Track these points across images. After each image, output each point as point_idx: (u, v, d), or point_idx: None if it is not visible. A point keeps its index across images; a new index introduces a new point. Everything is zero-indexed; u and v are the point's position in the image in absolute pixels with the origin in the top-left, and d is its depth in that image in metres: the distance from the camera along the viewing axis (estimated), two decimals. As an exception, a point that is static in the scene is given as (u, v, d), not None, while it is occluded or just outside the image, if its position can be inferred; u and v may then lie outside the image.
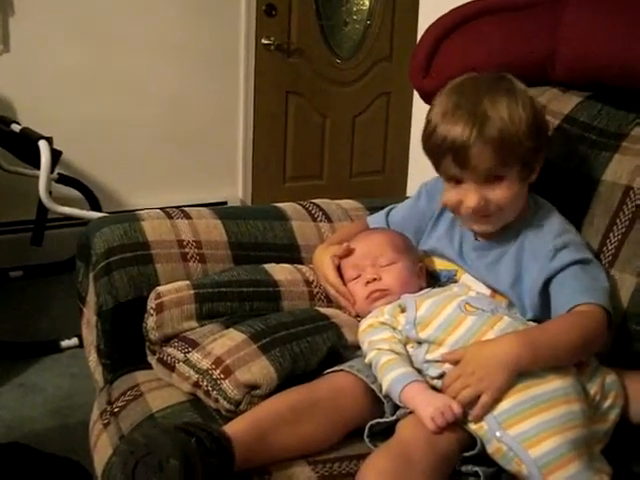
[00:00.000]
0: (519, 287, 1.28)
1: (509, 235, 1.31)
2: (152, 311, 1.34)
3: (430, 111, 1.30)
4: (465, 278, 1.37)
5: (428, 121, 1.29)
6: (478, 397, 1.08)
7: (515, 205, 1.28)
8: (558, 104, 1.50)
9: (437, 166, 1.30)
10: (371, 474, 1.01)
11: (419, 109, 2.50)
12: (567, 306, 1.19)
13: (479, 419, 1.09)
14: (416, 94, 1.79)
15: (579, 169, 1.40)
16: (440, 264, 1.42)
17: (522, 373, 1.09)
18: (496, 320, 1.18)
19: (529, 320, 1.25)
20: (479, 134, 1.20)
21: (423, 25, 1.77)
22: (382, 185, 4.26)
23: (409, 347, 1.21)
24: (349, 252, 1.42)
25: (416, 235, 1.48)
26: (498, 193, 1.25)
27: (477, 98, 1.23)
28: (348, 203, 1.73)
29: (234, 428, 1.07)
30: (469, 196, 1.25)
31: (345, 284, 1.41)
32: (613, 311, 1.20)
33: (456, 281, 1.38)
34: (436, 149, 1.26)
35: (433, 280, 1.42)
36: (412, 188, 2.53)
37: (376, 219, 1.56)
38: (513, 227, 1.31)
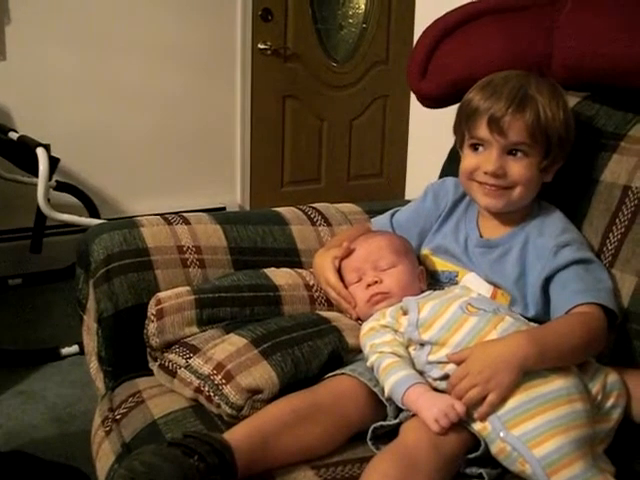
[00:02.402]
0: (523, 284, 1.30)
1: (513, 234, 1.34)
2: (153, 317, 1.34)
3: (471, 90, 1.37)
4: (465, 280, 1.37)
5: (466, 96, 1.37)
6: (484, 396, 1.08)
7: (526, 190, 1.32)
8: (556, 104, 1.50)
9: (467, 129, 1.34)
10: (375, 477, 1.01)
11: (416, 112, 2.51)
12: (568, 305, 1.20)
13: (484, 418, 1.09)
14: (413, 97, 1.79)
15: (578, 169, 1.40)
16: (441, 265, 1.43)
17: (526, 373, 1.09)
18: (498, 320, 1.18)
19: (531, 319, 1.26)
20: (518, 107, 1.27)
21: (419, 28, 1.77)
22: (380, 188, 4.27)
23: (411, 349, 1.21)
24: (349, 252, 1.42)
25: (420, 236, 1.49)
26: (516, 168, 1.30)
27: (524, 80, 1.32)
28: (347, 207, 1.73)
29: (236, 434, 1.07)
30: (490, 160, 1.30)
31: (346, 288, 1.41)
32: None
33: (457, 283, 1.38)
34: (473, 111, 1.32)
35: (433, 281, 1.42)
36: (411, 191, 2.54)
37: (380, 221, 1.56)
38: (517, 226, 1.34)
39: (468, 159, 1.35)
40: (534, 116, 1.28)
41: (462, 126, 1.36)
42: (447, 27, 1.65)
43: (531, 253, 1.30)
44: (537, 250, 1.29)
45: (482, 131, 1.30)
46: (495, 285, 1.33)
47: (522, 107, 1.27)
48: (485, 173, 1.30)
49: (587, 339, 1.15)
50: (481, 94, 1.32)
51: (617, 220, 1.33)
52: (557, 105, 1.30)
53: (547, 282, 1.26)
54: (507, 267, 1.32)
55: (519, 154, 1.30)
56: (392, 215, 1.55)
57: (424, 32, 1.68)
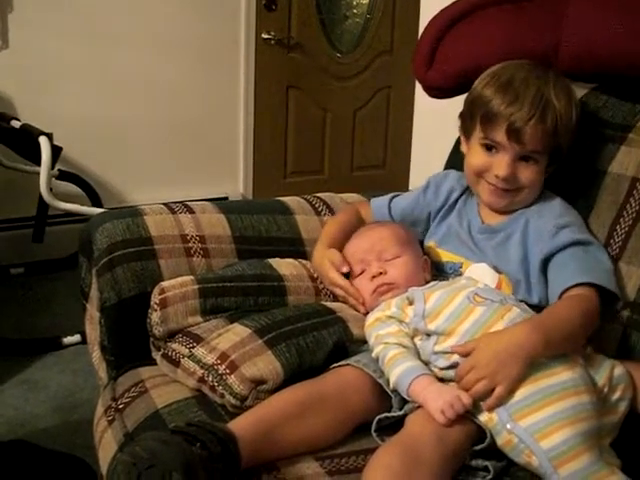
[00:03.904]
0: (526, 266, 1.31)
1: (514, 218, 1.36)
2: (156, 306, 1.33)
3: (486, 82, 1.36)
4: (470, 271, 1.36)
5: (482, 90, 1.35)
6: (492, 389, 1.07)
7: (533, 191, 1.35)
8: (563, 95, 1.48)
9: (482, 128, 1.34)
10: (378, 469, 1.00)
11: (421, 103, 2.50)
12: (565, 285, 1.22)
13: (492, 410, 1.08)
14: (418, 87, 1.78)
15: (585, 161, 1.40)
16: (446, 256, 1.42)
17: (532, 364, 1.08)
18: (505, 310, 1.17)
19: (536, 306, 1.26)
20: (539, 119, 1.28)
21: (425, 17, 1.76)
22: (383, 179, 4.26)
23: (417, 340, 1.21)
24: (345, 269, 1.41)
25: (413, 225, 1.50)
26: (527, 173, 1.32)
27: (543, 83, 1.32)
28: (351, 197, 1.72)
29: (241, 424, 1.06)
30: (502, 165, 1.31)
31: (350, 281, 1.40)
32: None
33: (461, 274, 1.38)
34: (493, 114, 1.31)
35: (438, 273, 1.41)
36: (414, 182, 2.53)
37: (379, 202, 1.56)
38: (518, 211, 1.36)
39: (479, 157, 1.36)
40: (553, 127, 1.29)
41: (475, 121, 1.36)
42: (453, 17, 1.64)
43: (532, 234, 1.33)
44: (537, 231, 1.32)
45: (500, 136, 1.31)
46: (500, 271, 1.33)
47: (543, 118, 1.29)
48: (496, 176, 1.32)
49: (585, 321, 1.17)
50: (501, 97, 1.31)
51: (625, 212, 1.32)
52: (572, 110, 1.33)
53: (546, 263, 1.28)
54: (510, 251, 1.34)
55: (531, 160, 1.32)
56: (391, 199, 1.55)
57: (430, 22, 1.67)
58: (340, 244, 1.46)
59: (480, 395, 1.08)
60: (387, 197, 1.56)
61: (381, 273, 1.35)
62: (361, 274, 1.38)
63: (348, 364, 1.21)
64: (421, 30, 1.71)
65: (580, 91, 1.47)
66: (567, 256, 1.26)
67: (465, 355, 1.12)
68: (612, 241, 1.33)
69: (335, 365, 1.22)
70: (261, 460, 1.05)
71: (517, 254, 1.32)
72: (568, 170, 1.39)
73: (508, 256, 1.33)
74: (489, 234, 1.38)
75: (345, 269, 1.40)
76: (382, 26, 4.16)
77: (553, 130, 1.29)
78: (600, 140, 1.40)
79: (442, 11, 1.67)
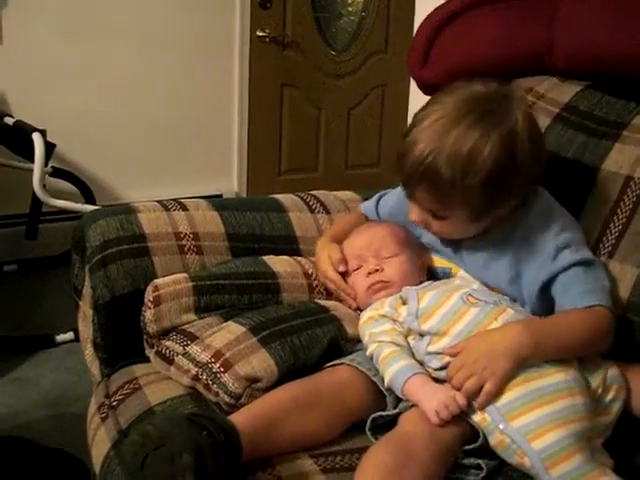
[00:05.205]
0: (518, 284, 1.27)
1: (505, 230, 1.27)
2: (150, 304, 1.32)
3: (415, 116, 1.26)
4: (460, 276, 1.36)
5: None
6: (482, 386, 1.07)
7: (468, 230, 1.28)
8: (557, 93, 1.49)
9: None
10: (371, 466, 1.00)
11: (415, 101, 2.49)
12: (569, 307, 1.18)
13: (482, 408, 1.08)
14: (412, 85, 1.78)
15: (578, 158, 1.39)
16: (436, 261, 1.41)
17: (525, 365, 1.08)
18: (500, 312, 1.17)
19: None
20: (421, 178, 1.19)
21: (420, 15, 1.76)
22: (377, 177, 4.25)
23: (410, 339, 1.21)
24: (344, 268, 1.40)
25: (406, 224, 1.45)
26: (438, 226, 1.28)
27: (444, 131, 1.16)
28: (345, 194, 1.72)
29: (238, 419, 1.06)
30: (414, 211, 1.28)
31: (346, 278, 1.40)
32: (614, 303, 1.20)
33: (451, 277, 1.37)
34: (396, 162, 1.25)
35: (430, 275, 1.40)
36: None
37: (367, 207, 1.55)
38: (509, 220, 1.26)
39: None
40: (437, 189, 1.19)
41: None
42: (449, 15, 1.64)
43: (527, 250, 1.25)
44: (534, 247, 1.24)
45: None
46: (490, 287, 1.30)
47: (426, 178, 1.18)
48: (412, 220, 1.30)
49: (588, 335, 1.14)
50: (402, 145, 1.23)
51: (618, 210, 1.31)
52: (475, 164, 1.15)
53: (547, 284, 1.22)
54: (501, 267, 1.28)
55: (437, 217, 1.25)
56: (378, 201, 1.53)
57: (426, 19, 1.68)
58: (344, 240, 1.45)
59: (471, 393, 1.08)
60: (374, 199, 1.54)
61: (377, 270, 1.34)
62: (357, 270, 1.38)
63: (343, 363, 1.21)
64: (416, 28, 1.71)
65: (574, 89, 1.47)
66: (569, 278, 1.20)
67: (455, 355, 1.12)
68: (605, 239, 1.31)
69: (330, 364, 1.22)
70: (258, 454, 1.05)
71: (508, 271, 1.26)
72: (561, 167, 1.38)
73: (498, 273, 1.28)
74: (476, 247, 1.31)
75: (342, 268, 1.39)
76: (377, 24, 4.16)
77: (438, 194, 1.19)
78: (594, 137, 1.39)
79: (437, 9, 1.67)
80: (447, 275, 1.38)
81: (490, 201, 1.20)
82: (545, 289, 1.23)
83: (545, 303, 1.23)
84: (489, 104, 1.19)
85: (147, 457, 0.94)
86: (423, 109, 1.25)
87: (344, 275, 1.40)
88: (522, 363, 1.08)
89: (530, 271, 1.25)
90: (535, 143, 1.21)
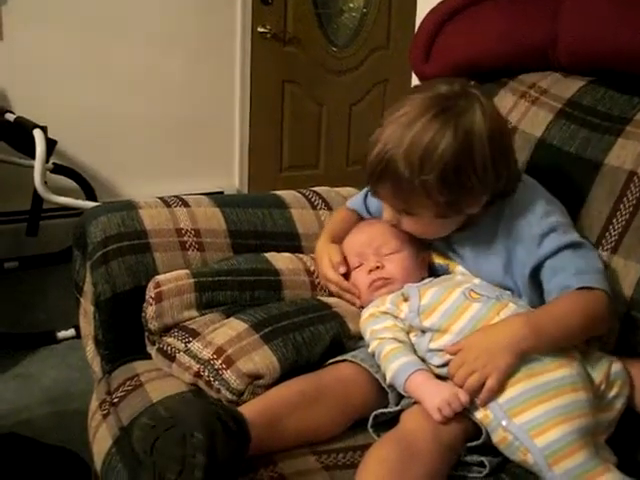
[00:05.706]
0: (510, 273, 1.26)
1: (490, 221, 1.27)
2: (151, 300, 1.32)
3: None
4: (460, 270, 1.35)
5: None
6: (484, 382, 1.07)
7: (441, 228, 1.29)
8: (560, 88, 1.48)
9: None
10: (373, 463, 1.00)
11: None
12: (560, 291, 1.17)
13: (485, 405, 1.07)
14: (415, 82, 1.77)
15: (581, 153, 1.38)
16: (434, 257, 1.40)
17: (527, 360, 1.08)
18: (502, 307, 1.17)
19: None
20: (382, 175, 1.20)
21: (422, 11, 1.75)
22: (379, 174, 4.24)
23: (412, 336, 1.20)
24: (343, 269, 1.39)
25: None
26: (409, 225, 1.29)
27: (404, 127, 1.17)
28: (347, 191, 1.71)
29: (245, 412, 1.05)
30: (385, 209, 1.30)
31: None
32: (617, 299, 1.19)
33: (450, 273, 1.36)
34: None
35: (429, 271, 1.39)
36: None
37: (356, 203, 1.53)
38: (497, 209, 1.25)
39: None
40: (395, 186, 1.20)
41: None
42: (451, 10, 1.63)
43: (514, 238, 1.24)
44: (520, 234, 1.23)
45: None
46: (483, 279, 1.29)
47: (385, 175, 1.20)
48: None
49: (585, 319, 1.13)
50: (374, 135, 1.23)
51: (621, 206, 1.31)
52: (431, 160, 1.15)
53: (536, 271, 1.21)
54: (491, 259, 1.27)
55: (406, 214, 1.26)
56: (365, 198, 1.51)
57: (428, 15, 1.67)
58: (343, 239, 1.44)
59: (473, 389, 1.07)
60: (361, 195, 1.52)
61: (378, 267, 1.34)
62: (358, 267, 1.37)
63: (345, 360, 1.20)
64: (418, 24, 1.71)
65: (577, 84, 1.46)
66: (556, 262, 1.19)
67: (456, 353, 1.12)
68: (608, 234, 1.31)
69: (332, 360, 1.21)
70: (261, 450, 1.04)
71: (501, 262, 1.25)
72: (564, 162, 1.38)
73: (492, 266, 1.27)
74: (469, 240, 1.30)
75: (342, 270, 1.39)
76: (378, 20, 4.15)
77: (398, 191, 1.20)
78: (597, 132, 1.38)
79: (439, 4, 1.67)
80: (445, 272, 1.37)
81: (453, 198, 1.19)
82: (535, 275, 1.22)
83: (539, 292, 1.22)
84: (448, 101, 1.19)
85: (157, 440, 0.94)
86: (389, 110, 1.24)
87: (345, 275, 1.39)
88: (524, 356, 1.08)
89: (518, 259, 1.24)
90: (497, 144, 1.19)
